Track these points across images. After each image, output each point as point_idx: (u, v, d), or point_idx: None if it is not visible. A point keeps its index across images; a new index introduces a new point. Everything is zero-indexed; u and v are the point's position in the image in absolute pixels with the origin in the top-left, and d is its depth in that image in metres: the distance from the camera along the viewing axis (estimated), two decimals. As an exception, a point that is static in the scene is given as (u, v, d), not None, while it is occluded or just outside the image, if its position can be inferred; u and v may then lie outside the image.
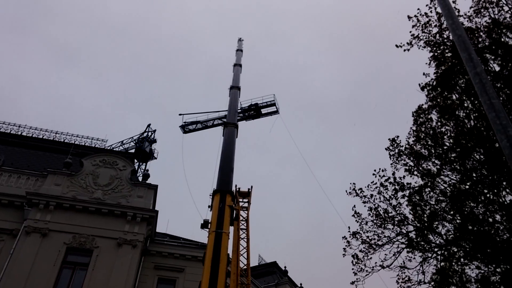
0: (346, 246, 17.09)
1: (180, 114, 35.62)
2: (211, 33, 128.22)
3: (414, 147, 16.88)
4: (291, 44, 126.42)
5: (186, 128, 35.42)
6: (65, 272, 20.91)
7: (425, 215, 16.10)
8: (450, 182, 16.03)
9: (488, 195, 15.12)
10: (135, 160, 36.61)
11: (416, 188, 16.36)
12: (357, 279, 16.49)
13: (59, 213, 22.30)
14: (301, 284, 37.69)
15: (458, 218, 15.56)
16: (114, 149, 35.97)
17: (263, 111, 35.56)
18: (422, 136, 16.68)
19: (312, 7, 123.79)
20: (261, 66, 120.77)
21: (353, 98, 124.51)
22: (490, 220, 15.00)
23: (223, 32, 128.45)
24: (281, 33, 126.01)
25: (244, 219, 18.66)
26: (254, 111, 35.11)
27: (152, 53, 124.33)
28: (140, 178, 29.08)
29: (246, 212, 19.03)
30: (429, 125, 16.73)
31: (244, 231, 18.22)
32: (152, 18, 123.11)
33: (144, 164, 40.17)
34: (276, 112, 35.72)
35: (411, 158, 16.77)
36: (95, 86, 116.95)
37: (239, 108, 33.40)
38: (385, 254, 16.43)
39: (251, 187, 19.80)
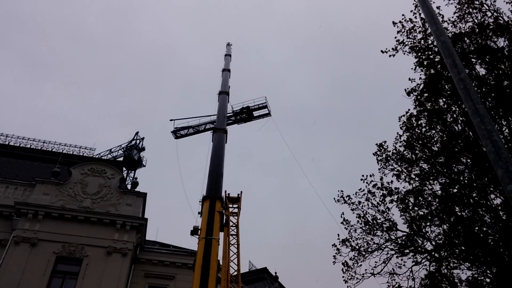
0: (336, 253, 17.11)
1: (171, 120, 35.52)
2: (189, 44, 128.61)
3: (402, 151, 17.00)
4: (266, 55, 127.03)
5: (177, 133, 35.28)
6: (55, 282, 20.67)
7: (416, 219, 16.21)
8: (439, 186, 16.18)
9: (476, 198, 15.29)
10: (124, 168, 36.39)
11: (407, 191, 16.47)
12: (348, 286, 16.52)
13: (48, 223, 22.07)
14: (292, 289, 37.62)
15: (448, 221, 15.70)
16: (103, 157, 35.77)
17: (255, 113, 35.55)
18: (410, 141, 16.82)
19: (286, 19, 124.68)
20: (237, 76, 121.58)
21: (328, 106, 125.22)
22: (479, 222, 15.16)
23: (200, 43, 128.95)
24: (256, 44, 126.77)
25: (234, 225, 18.63)
26: (246, 114, 35.09)
27: (130, 64, 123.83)
28: (129, 186, 28.91)
29: (236, 217, 19.00)
30: (417, 130, 16.88)
31: (234, 236, 18.18)
32: (128, 30, 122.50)
33: (133, 172, 40.01)
34: (268, 114, 35.74)
35: (399, 163, 16.89)
36: (75, 97, 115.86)
37: (230, 111, 33.38)
38: (375, 262, 16.50)
39: (241, 192, 19.77)
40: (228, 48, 36.45)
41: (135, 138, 41.28)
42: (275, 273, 37.31)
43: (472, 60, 15.73)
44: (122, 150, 40.06)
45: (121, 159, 38.51)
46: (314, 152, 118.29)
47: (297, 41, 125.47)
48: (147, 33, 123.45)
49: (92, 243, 21.94)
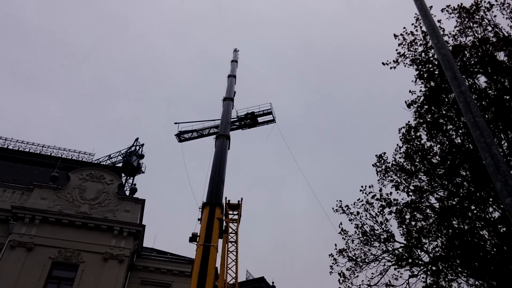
0: (333, 263, 17.06)
1: (175, 123, 35.46)
2: (174, 57, 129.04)
3: (402, 162, 17.01)
4: (249, 70, 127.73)
5: (181, 136, 35.21)
6: (50, 287, 20.55)
7: (414, 231, 16.17)
8: (438, 198, 16.16)
9: (475, 211, 15.27)
10: (123, 174, 36.36)
11: (405, 204, 16.45)
12: None
13: (45, 227, 21.98)
14: (289, 299, 37.39)
15: (445, 234, 15.66)
16: (102, 163, 35.72)
17: (260, 119, 35.51)
18: (409, 152, 16.84)
19: (269, 36, 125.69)
20: (219, 92, 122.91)
21: (311, 122, 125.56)
22: (477, 236, 15.12)
23: (186, 56, 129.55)
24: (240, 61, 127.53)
25: (233, 232, 18.51)
26: (251, 120, 35.05)
27: (115, 77, 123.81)
28: (127, 192, 28.85)
29: (235, 224, 18.90)
30: (417, 142, 16.92)
31: (233, 243, 18.06)
32: (112, 44, 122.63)
33: (132, 178, 39.95)
34: (273, 121, 35.65)
35: (398, 174, 16.89)
36: (60, 110, 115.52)
37: (235, 116, 33.40)
38: (372, 273, 16.43)
39: (241, 199, 19.58)
40: (235, 54, 36.47)
41: (134, 144, 41.28)
42: (272, 282, 37.05)
43: (473, 72, 15.80)
44: (122, 156, 40.05)
45: (120, 165, 38.46)
46: (295, 166, 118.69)
47: (280, 59, 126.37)
48: (131, 47, 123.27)
49: (88, 249, 21.83)
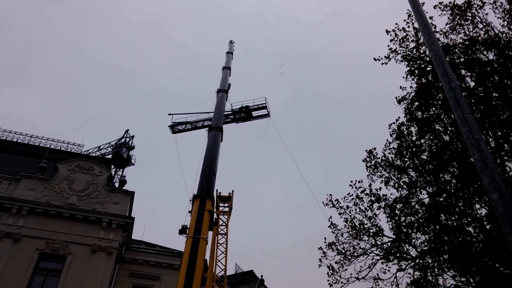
0: (322, 256, 17.19)
1: (169, 114, 35.16)
2: (152, 55, 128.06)
3: (392, 158, 17.14)
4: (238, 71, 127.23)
5: (175, 128, 34.96)
6: (37, 279, 20.39)
7: (403, 226, 16.33)
8: (427, 193, 16.32)
9: (461, 208, 15.45)
10: (112, 166, 36.11)
11: (395, 199, 16.60)
12: None
13: (32, 218, 21.80)
14: (277, 293, 37.65)
15: (433, 229, 15.84)
16: (91, 154, 35.42)
17: (254, 113, 35.45)
18: (400, 148, 16.96)
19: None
20: (203, 93, 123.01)
21: (289, 121, 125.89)
22: (464, 232, 15.31)
23: (164, 55, 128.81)
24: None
25: (224, 224, 18.48)
26: (245, 114, 34.99)
27: (94, 73, 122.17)
28: (116, 184, 28.68)
29: (226, 217, 18.88)
30: (407, 138, 17.04)
31: (223, 236, 18.03)
32: (91, 39, 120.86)
33: (121, 170, 39.72)
34: (267, 115, 35.66)
35: (388, 170, 17.02)
36: (40, 104, 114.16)
37: (229, 110, 33.35)
38: (360, 266, 16.59)
39: (232, 191, 19.58)
40: (230, 46, 36.32)
41: (124, 136, 41.02)
42: (261, 276, 37.29)
43: (462, 72, 15.93)
44: (111, 147, 39.78)
45: (109, 156, 38.19)
46: (281, 165, 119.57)
47: (259, 57, 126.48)
48: (110, 42, 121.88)
49: (76, 241, 21.69)
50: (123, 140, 40.54)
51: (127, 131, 41.29)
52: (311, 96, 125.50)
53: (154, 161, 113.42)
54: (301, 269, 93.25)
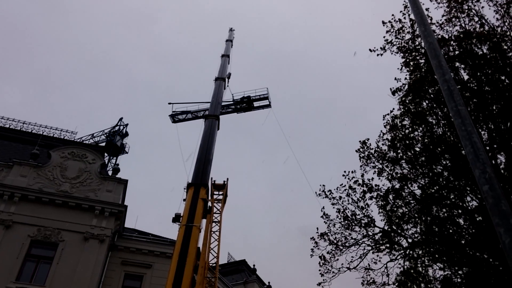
0: (314, 247, 17.29)
1: (169, 103, 35.00)
2: (129, 49, 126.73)
3: (386, 150, 17.20)
4: (207, 66, 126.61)
5: (175, 117, 34.86)
6: (28, 265, 20.41)
7: (395, 217, 16.45)
8: (419, 186, 16.43)
9: (453, 200, 15.58)
10: (105, 154, 35.97)
11: (387, 190, 16.70)
12: (323, 280, 16.72)
13: (24, 205, 21.74)
14: (269, 282, 37.91)
15: (424, 220, 15.97)
16: (84, 141, 35.25)
17: (256, 104, 35.38)
18: (394, 141, 17.01)
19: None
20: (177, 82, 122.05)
21: (269, 117, 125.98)
22: (454, 224, 15.46)
23: (141, 47, 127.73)
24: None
25: (218, 212, 18.47)
26: (246, 104, 34.91)
27: (69, 64, 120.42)
28: (110, 172, 28.60)
29: (220, 205, 18.87)
30: (401, 130, 17.09)
31: (217, 223, 18.01)
32: (66, 30, 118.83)
33: (115, 158, 39.57)
34: (269, 105, 35.57)
35: (381, 161, 17.09)
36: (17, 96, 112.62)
37: (231, 100, 33.30)
38: (352, 256, 16.73)
39: (227, 179, 19.50)
40: (230, 34, 36.08)
41: (118, 124, 40.81)
42: (253, 265, 37.48)
43: (456, 64, 15.96)
44: (105, 135, 39.58)
45: (103, 144, 38.02)
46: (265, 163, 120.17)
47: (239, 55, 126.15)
48: (87, 34, 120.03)
49: (69, 228, 21.69)
50: (117, 128, 40.34)
51: (121, 119, 41.08)
52: (291, 92, 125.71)
53: (147, 151, 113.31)
54: (289, 260, 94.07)
